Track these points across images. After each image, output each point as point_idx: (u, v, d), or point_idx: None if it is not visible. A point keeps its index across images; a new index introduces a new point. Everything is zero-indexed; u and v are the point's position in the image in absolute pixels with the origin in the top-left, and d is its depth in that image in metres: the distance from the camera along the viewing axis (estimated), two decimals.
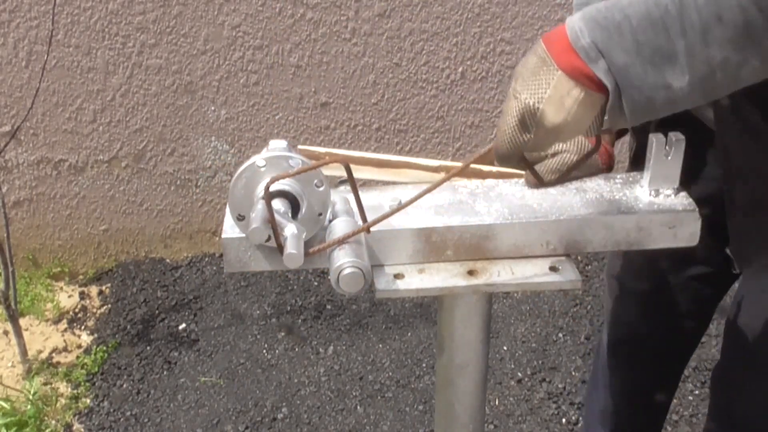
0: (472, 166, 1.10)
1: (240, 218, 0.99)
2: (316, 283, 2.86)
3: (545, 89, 0.88)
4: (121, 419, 2.36)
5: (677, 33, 0.82)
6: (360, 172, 1.11)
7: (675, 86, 0.84)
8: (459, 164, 1.12)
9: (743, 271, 1.32)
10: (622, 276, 1.56)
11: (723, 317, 1.56)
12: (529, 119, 0.89)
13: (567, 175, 1.01)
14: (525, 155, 0.96)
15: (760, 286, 1.28)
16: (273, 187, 0.96)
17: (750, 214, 1.07)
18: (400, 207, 0.99)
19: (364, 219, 1.00)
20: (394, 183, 1.15)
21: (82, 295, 2.87)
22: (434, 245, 1.03)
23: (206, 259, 3.02)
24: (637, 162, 1.27)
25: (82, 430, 2.34)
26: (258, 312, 2.74)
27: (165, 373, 2.51)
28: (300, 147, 1.10)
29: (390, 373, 2.49)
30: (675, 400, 2.36)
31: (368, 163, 1.11)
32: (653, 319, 1.57)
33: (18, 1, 2.58)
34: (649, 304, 1.55)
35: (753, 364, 1.35)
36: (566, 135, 0.91)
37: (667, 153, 1.05)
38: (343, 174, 1.06)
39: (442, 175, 1.12)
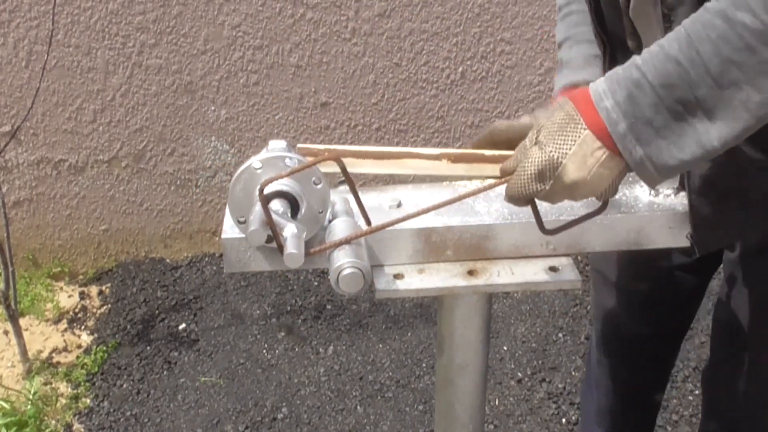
0: (474, 151, 1.11)
1: (241, 221, 0.99)
2: (316, 283, 2.86)
3: (570, 146, 0.91)
4: (121, 419, 2.36)
5: (694, 82, 0.85)
6: (360, 167, 1.10)
7: (701, 132, 0.86)
8: (460, 150, 1.12)
9: (725, 269, 1.33)
10: (607, 269, 1.56)
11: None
12: (549, 172, 0.92)
13: (569, 227, 1.03)
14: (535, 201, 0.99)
15: (742, 283, 1.28)
16: (270, 188, 0.96)
17: (709, 199, 1.08)
18: (413, 215, 0.98)
19: (366, 218, 1.00)
20: (393, 182, 1.14)
21: (82, 295, 2.87)
22: (434, 245, 1.03)
23: (206, 259, 3.02)
24: None
25: (82, 430, 2.34)
26: (258, 312, 2.74)
27: (165, 373, 2.51)
28: (299, 146, 1.10)
29: (390, 373, 2.49)
30: (675, 400, 2.36)
31: (368, 156, 1.11)
32: (639, 311, 1.57)
33: (18, 1, 2.58)
34: (633, 295, 1.55)
35: (739, 362, 1.35)
36: (580, 193, 0.94)
37: None
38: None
39: (444, 162, 1.11)
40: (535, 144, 0.94)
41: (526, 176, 0.94)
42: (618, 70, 0.90)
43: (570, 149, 0.91)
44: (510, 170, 0.99)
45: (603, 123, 0.89)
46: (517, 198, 0.97)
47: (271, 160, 0.97)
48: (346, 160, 1.04)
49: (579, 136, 0.91)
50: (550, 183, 0.93)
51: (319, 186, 0.98)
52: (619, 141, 0.89)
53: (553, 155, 0.92)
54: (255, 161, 0.96)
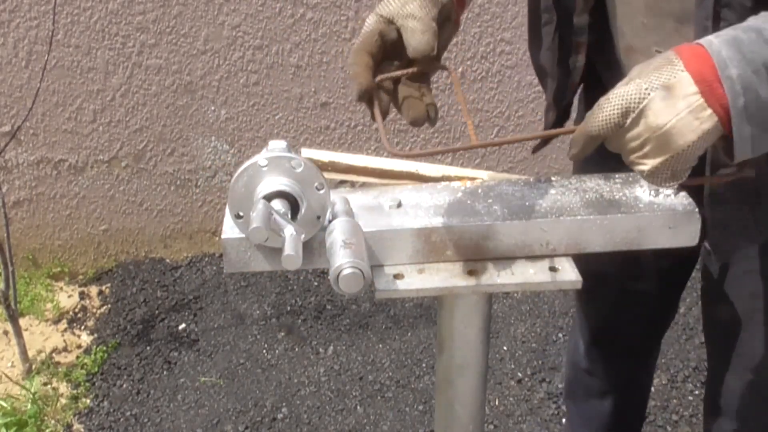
0: (475, 171, 1.11)
1: (238, 217, 0.99)
2: (316, 283, 2.86)
3: (663, 82, 0.86)
4: (121, 419, 2.36)
5: None
6: (358, 178, 1.12)
7: None
8: (461, 171, 1.12)
9: (720, 300, 1.29)
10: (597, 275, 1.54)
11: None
12: (635, 104, 0.86)
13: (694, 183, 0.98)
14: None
15: (751, 316, 1.25)
16: (271, 188, 0.96)
17: (733, 204, 1.06)
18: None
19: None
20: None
21: (82, 295, 2.87)
22: (434, 245, 1.03)
23: (206, 259, 3.02)
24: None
25: (82, 430, 2.34)
26: (258, 312, 2.74)
27: (165, 373, 2.51)
28: (304, 150, 1.10)
29: (390, 373, 2.49)
30: (675, 400, 2.36)
31: (371, 174, 1.12)
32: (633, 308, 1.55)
33: (18, 1, 2.58)
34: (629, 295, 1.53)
35: (757, 391, 1.32)
36: (660, 146, 0.87)
37: None
38: (343, 176, 1.07)
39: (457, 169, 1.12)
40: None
41: (609, 107, 0.87)
42: (741, 36, 0.85)
43: (663, 83, 0.86)
44: None
45: (707, 72, 0.84)
46: (593, 136, 0.90)
47: (277, 159, 0.97)
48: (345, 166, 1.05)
49: (675, 76, 0.85)
50: (632, 117, 0.86)
51: (321, 192, 0.98)
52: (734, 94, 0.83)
53: (642, 85, 0.86)
54: (261, 158, 0.97)
